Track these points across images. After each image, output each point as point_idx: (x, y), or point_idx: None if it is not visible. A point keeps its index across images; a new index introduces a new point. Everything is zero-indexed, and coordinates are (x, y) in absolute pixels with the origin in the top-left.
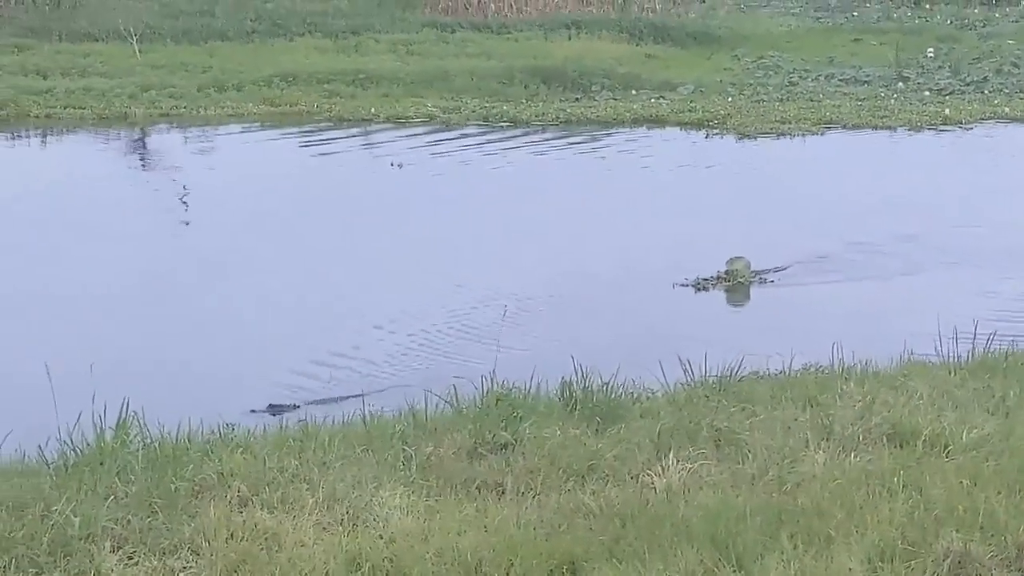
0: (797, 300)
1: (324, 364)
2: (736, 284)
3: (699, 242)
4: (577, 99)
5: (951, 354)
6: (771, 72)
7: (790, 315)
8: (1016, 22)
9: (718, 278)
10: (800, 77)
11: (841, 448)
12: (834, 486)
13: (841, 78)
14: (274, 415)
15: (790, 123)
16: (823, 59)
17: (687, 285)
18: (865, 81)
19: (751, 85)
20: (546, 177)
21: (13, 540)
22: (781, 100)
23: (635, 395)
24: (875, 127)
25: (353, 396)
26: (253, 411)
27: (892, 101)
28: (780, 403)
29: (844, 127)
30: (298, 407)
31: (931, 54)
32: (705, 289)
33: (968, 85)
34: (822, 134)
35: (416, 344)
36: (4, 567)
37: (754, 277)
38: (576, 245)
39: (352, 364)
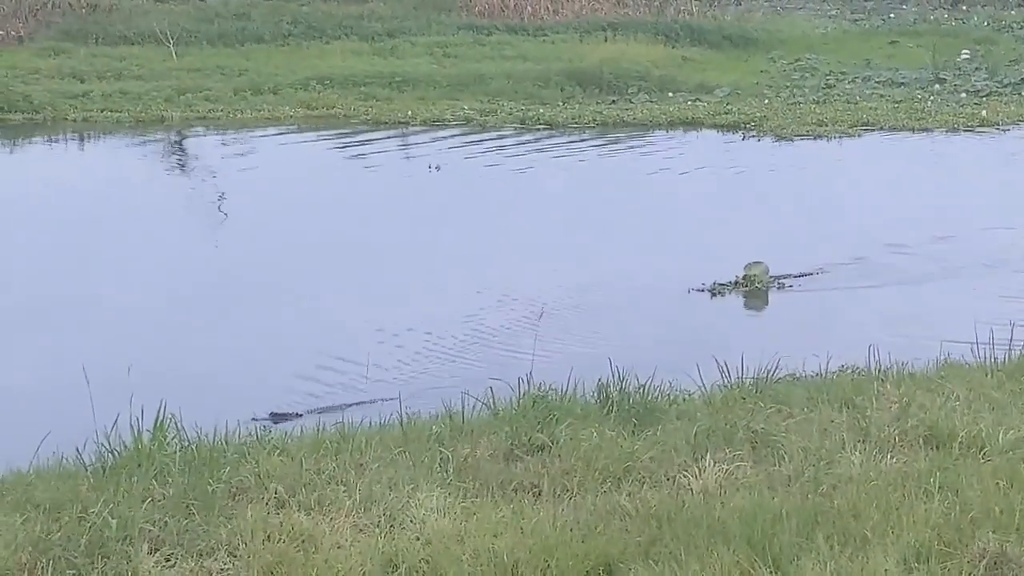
0: (834, 303)
1: (353, 363)
2: (754, 290)
3: (733, 245)
4: (613, 102)
5: (988, 356)
6: (807, 74)
7: (826, 318)
8: None
9: (735, 284)
10: (837, 79)
11: (877, 450)
12: (870, 487)
13: (878, 80)
14: (276, 423)
15: (827, 125)
16: (860, 61)
17: (703, 290)
18: (902, 83)
19: (787, 87)
20: (581, 180)
21: (51, 541)
22: (818, 102)
23: (671, 397)
24: (912, 129)
25: (360, 403)
26: (254, 419)
27: (929, 103)
28: (816, 405)
29: (881, 129)
30: (300, 416)
31: (966, 55)
32: (721, 295)
33: (1005, 87)
34: (859, 136)
35: (440, 348)
36: (42, 568)
37: (772, 283)
38: (610, 249)
39: (386, 368)
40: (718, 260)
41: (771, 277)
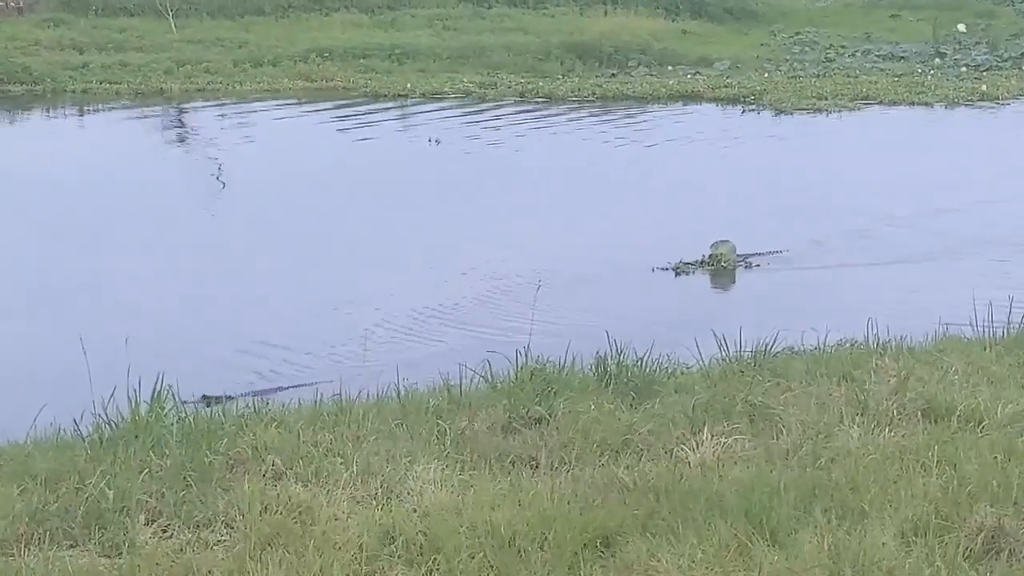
0: (833, 278)
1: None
2: (720, 268)
3: (718, 221)
4: (613, 75)
5: (986, 330)
6: (808, 48)
7: (826, 293)
8: None
9: (701, 262)
10: (837, 53)
11: (876, 423)
12: (868, 461)
13: (878, 54)
14: (208, 406)
15: (827, 99)
16: (860, 35)
17: (668, 269)
18: (902, 57)
19: (787, 61)
20: (581, 153)
21: (48, 512)
22: (818, 76)
23: (669, 371)
24: (912, 103)
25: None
26: (185, 402)
27: (929, 77)
28: (815, 378)
29: (881, 103)
30: (232, 398)
31: (962, 29)
32: (687, 273)
33: (1005, 61)
34: (859, 110)
35: (435, 319)
36: (39, 538)
37: (739, 261)
38: (604, 222)
39: (380, 343)
40: (701, 235)
41: (738, 256)
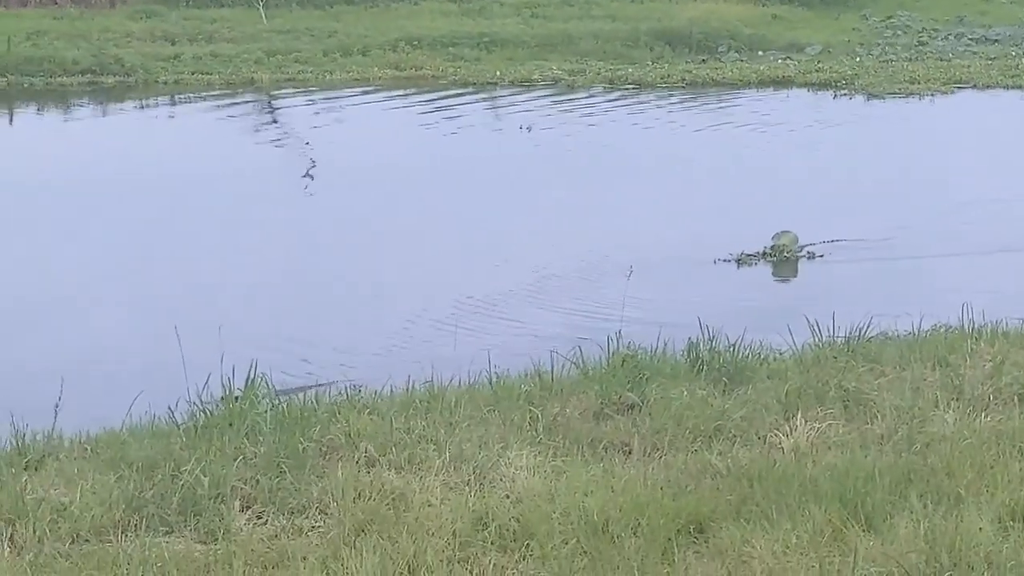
0: (925, 265)
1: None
2: (782, 259)
3: (816, 205)
4: (703, 61)
5: None
6: (899, 32)
7: (916, 280)
8: None
9: (763, 253)
10: (929, 37)
11: (971, 408)
12: (964, 446)
13: (971, 37)
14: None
15: (919, 83)
16: (952, 18)
17: (729, 261)
18: (995, 40)
19: (879, 45)
20: (671, 140)
21: (144, 499)
22: (910, 60)
23: (762, 356)
24: (1006, 87)
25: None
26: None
27: (1023, 60)
28: (909, 363)
29: (975, 87)
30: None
31: None
32: (749, 264)
33: None
34: (952, 94)
35: (521, 305)
36: (135, 525)
37: (801, 252)
38: (694, 208)
39: (471, 330)
40: (786, 223)
41: (800, 247)
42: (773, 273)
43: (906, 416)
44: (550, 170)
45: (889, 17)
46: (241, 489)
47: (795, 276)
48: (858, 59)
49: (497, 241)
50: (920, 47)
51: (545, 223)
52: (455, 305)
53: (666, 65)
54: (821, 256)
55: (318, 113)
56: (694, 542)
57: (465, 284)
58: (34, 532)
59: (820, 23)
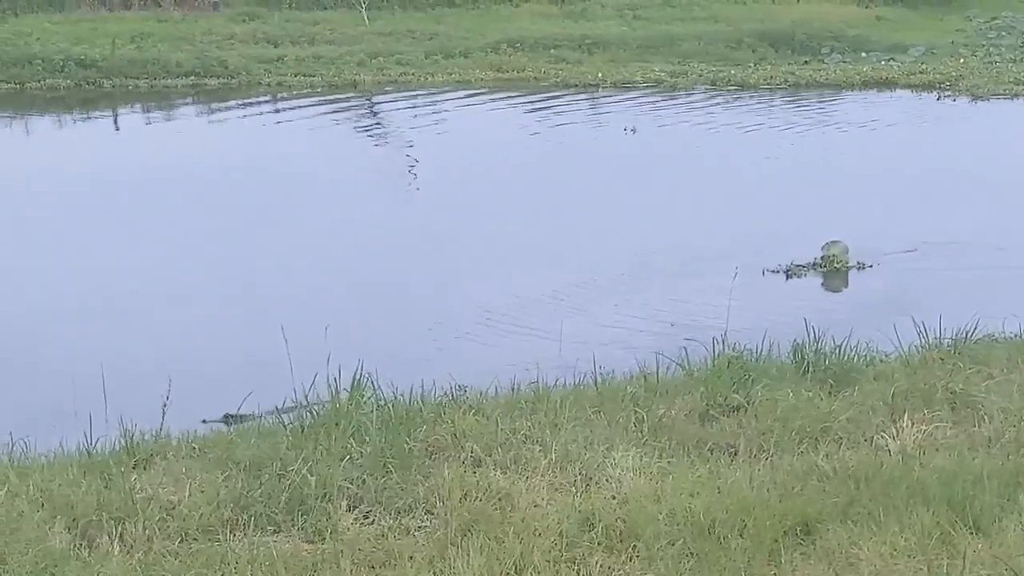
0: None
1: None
2: (832, 270)
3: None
4: (806, 62)
5: None
6: (1004, 33)
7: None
8: None
9: (813, 264)
10: None
11: None
12: None
13: None
14: (228, 424)
15: None
16: None
17: (778, 272)
18: None
19: (983, 46)
20: (775, 141)
21: (252, 498)
22: (1015, 61)
23: (868, 358)
24: None
25: None
26: (204, 421)
27: None
28: (1016, 366)
29: None
30: (257, 417)
31: None
32: (799, 276)
33: None
34: None
35: (620, 307)
36: (244, 524)
37: (853, 263)
38: (791, 210)
39: (574, 337)
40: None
41: (850, 257)
42: (822, 284)
43: (1014, 418)
44: (653, 171)
45: (994, 18)
46: (348, 489)
47: (846, 287)
48: (962, 60)
49: (572, 244)
50: None
51: (638, 223)
52: (551, 301)
53: (769, 66)
54: (870, 266)
55: (420, 115)
56: (800, 543)
57: (567, 286)
58: (143, 531)
59: (924, 24)
